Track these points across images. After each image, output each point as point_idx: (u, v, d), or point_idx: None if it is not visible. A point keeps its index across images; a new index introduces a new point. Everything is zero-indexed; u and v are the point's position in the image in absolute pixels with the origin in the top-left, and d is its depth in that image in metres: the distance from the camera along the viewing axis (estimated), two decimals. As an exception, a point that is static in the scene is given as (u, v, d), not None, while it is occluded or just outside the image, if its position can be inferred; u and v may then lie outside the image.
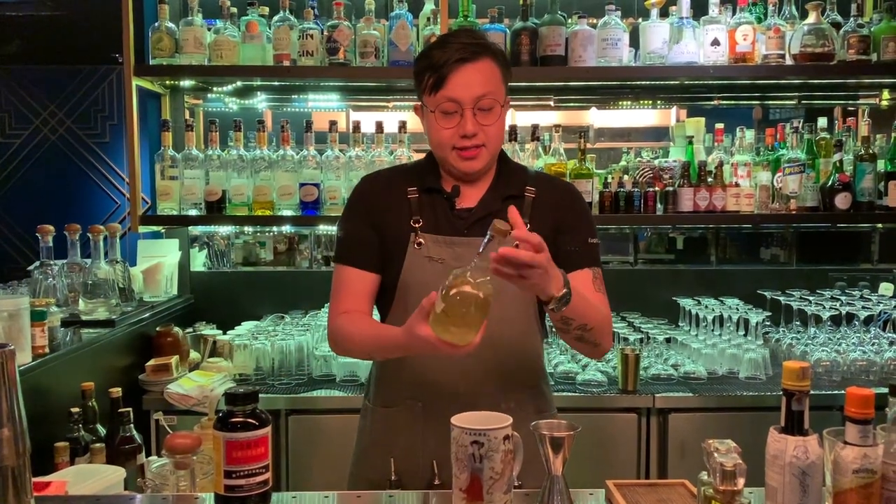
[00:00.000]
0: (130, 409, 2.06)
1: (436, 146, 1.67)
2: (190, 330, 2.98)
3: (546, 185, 1.74)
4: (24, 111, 3.32)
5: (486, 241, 1.28)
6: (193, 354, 2.88)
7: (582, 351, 1.69)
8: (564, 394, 2.60)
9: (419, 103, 1.69)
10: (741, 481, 0.98)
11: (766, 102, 3.51)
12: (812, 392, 2.64)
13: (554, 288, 1.39)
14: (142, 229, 2.94)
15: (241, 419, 1.08)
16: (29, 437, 1.10)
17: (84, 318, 2.55)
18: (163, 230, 3.20)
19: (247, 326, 3.04)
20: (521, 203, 1.67)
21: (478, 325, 1.29)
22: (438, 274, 1.55)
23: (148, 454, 2.09)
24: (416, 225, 1.66)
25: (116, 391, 2.09)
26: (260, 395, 2.64)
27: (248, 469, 1.07)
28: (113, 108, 3.44)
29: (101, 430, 2.10)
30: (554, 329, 1.61)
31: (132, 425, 2.04)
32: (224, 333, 2.94)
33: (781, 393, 0.98)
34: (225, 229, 3.36)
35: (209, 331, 2.96)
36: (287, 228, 3.41)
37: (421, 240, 1.65)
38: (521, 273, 1.31)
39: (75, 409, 2.04)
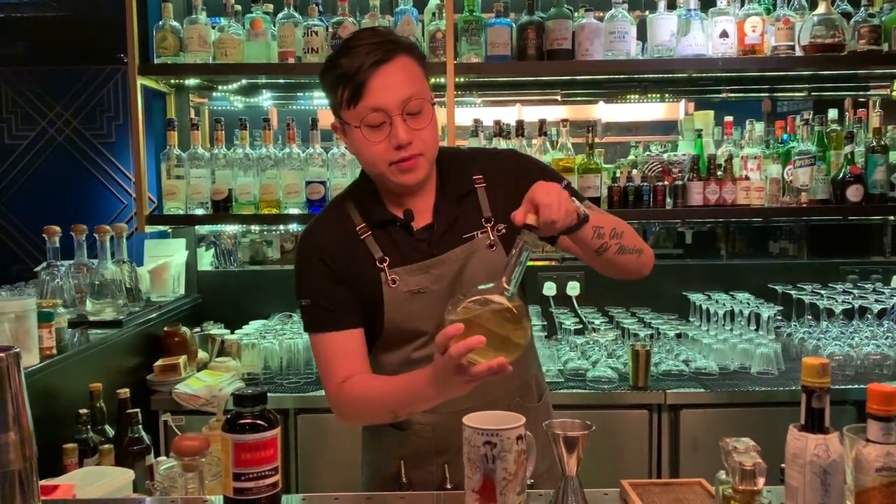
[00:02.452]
0: (139, 409, 2.04)
1: (369, 164, 1.50)
2: (198, 329, 2.97)
3: (489, 165, 1.61)
4: (31, 112, 3.31)
5: (517, 251, 1.25)
6: (201, 354, 2.87)
7: (629, 269, 1.55)
8: (575, 391, 2.57)
9: (336, 121, 1.51)
10: (761, 481, 0.96)
11: (776, 95, 3.47)
12: (827, 387, 2.59)
13: (572, 204, 1.32)
14: (148, 229, 2.94)
15: (249, 420, 1.06)
16: (35, 441, 1.09)
17: (91, 318, 2.54)
18: (169, 230, 3.18)
19: (255, 325, 3.03)
20: (476, 197, 1.57)
21: (516, 337, 1.22)
22: (424, 304, 1.50)
23: (157, 455, 2.08)
24: (383, 264, 1.52)
25: (124, 392, 2.07)
26: (268, 395, 2.62)
27: (257, 471, 1.06)
28: (119, 109, 3.43)
29: (110, 431, 2.09)
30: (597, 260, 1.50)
31: (140, 426, 2.03)
32: (232, 333, 2.93)
33: (801, 390, 0.96)
34: (231, 228, 3.35)
35: (217, 330, 2.94)
36: (294, 227, 3.39)
37: (393, 276, 1.51)
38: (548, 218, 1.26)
39: (83, 411, 2.03)
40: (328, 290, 1.52)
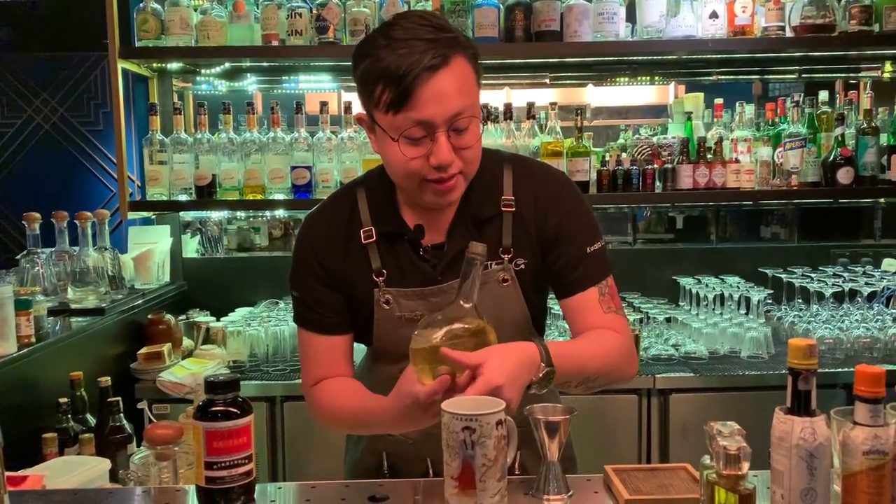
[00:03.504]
0: (119, 398, 2.02)
1: (399, 178, 1.33)
2: (183, 317, 2.93)
3: (527, 186, 1.41)
4: (17, 100, 3.26)
5: (469, 272, 1.19)
6: (187, 342, 2.84)
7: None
8: (563, 376, 2.55)
9: (363, 114, 1.33)
10: (745, 465, 0.93)
11: (766, 77, 3.44)
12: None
13: (528, 377, 1.19)
14: (131, 215, 2.89)
15: (221, 408, 1.03)
16: (11, 430, 1.05)
17: (73, 306, 2.51)
18: (153, 216, 3.14)
19: (241, 313, 2.99)
20: (499, 223, 1.39)
21: None
22: None
23: (139, 444, 2.05)
24: (379, 279, 1.38)
25: (105, 380, 2.04)
26: (255, 383, 2.59)
27: (229, 460, 1.03)
28: (106, 96, 3.38)
29: (92, 421, 2.07)
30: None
31: (122, 415, 2.00)
32: (217, 320, 2.89)
33: (787, 372, 0.93)
34: (217, 214, 3.31)
35: (202, 318, 2.91)
36: (280, 213, 3.35)
37: (388, 296, 1.37)
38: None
39: (63, 400, 2.00)
40: (317, 291, 1.41)
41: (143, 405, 1.80)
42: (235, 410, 1.04)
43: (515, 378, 1.15)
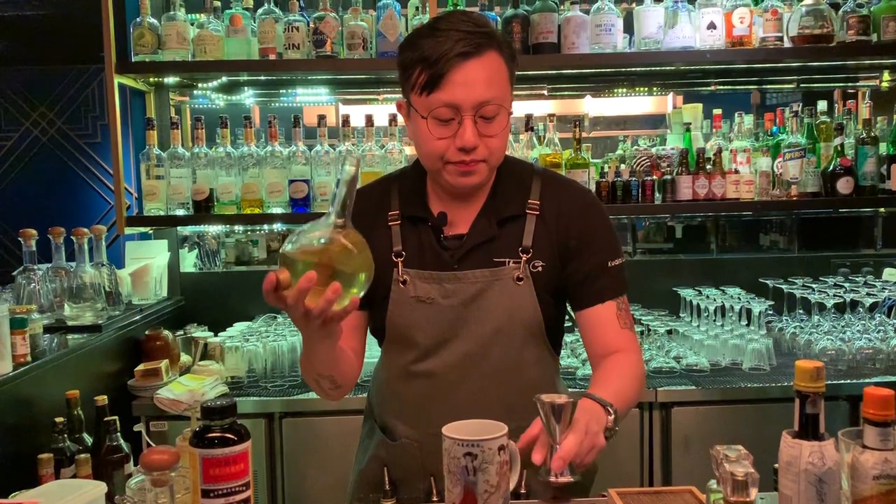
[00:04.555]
0: (116, 417, 1.99)
1: (425, 157, 1.43)
2: (181, 332, 2.91)
3: (553, 195, 1.47)
4: (15, 113, 3.25)
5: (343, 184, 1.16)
6: (184, 358, 2.82)
7: None
8: (564, 390, 2.53)
9: (403, 100, 1.44)
10: (754, 491, 0.92)
11: (765, 87, 3.44)
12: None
13: (604, 422, 1.25)
14: (128, 230, 2.87)
15: (218, 434, 1.01)
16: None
17: (70, 323, 2.49)
18: (151, 231, 3.13)
19: (239, 328, 2.97)
20: (521, 223, 1.45)
21: (358, 269, 1.15)
22: (429, 315, 1.43)
23: (136, 463, 2.02)
24: (399, 259, 1.45)
25: (102, 399, 2.01)
26: (253, 399, 2.56)
27: (226, 487, 1.01)
28: (104, 109, 3.36)
29: (89, 440, 2.04)
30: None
31: (119, 434, 1.97)
32: (215, 335, 2.87)
33: (794, 395, 0.92)
34: (214, 228, 3.29)
35: (200, 333, 2.89)
36: (279, 226, 3.34)
37: (405, 276, 1.44)
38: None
39: (59, 419, 1.97)
40: None
41: (139, 427, 1.78)
42: (232, 437, 1.02)
43: (595, 419, 1.23)
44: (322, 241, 1.13)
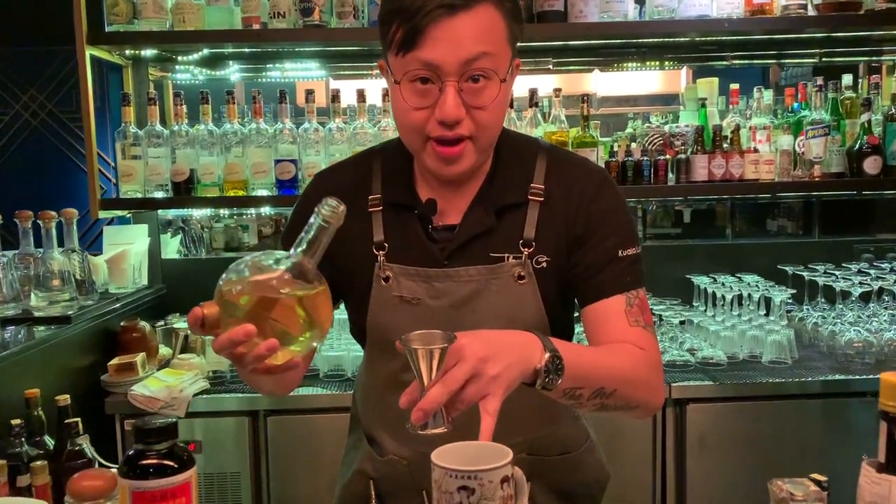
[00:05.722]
0: (79, 419, 1.81)
1: (403, 132, 1.19)
2: (161, 323, 2.73)
3: (561, 176, 1.25)
4: (4, 95, 3.09)
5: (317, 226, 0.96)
6: (164, 350, 2.64)
7: (620, 416, 1.23)
8: (571, 385, 2.35)
9: (382, 61, 1.20)
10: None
11: (784, 60, 3.22)
12: (844, 377, 2.37)
13: (532, 360, 1.00)
14: (103, 214, 2.68)
15: (154, 461, 0.83)
16: None
17: (37, 314, 2.30)
18: (129, 215, 2.94)
19: (223, 317, 2.79)
20: (523, 213, 1.23)
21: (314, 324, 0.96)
22: (415, 317, 1.20)
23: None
24: (380, 252, 1.24)
25: (64, 398, 1.83)
26: (238, 395, 2.37)
27: (165, 528, 0.82)
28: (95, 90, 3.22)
29: (51, 443, 1.86)
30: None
31: (83, 436, 1.79)
32: (198, 326, 2.69)
33: (879, 416, 0.73)
34: (198, 212, 3.10)
35: (181, 324, 2.70)
36: (267, 210, 3.15)
37: (388, 272, 1.23)
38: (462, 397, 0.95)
39: (16, 421, 1.79)
40: None
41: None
42: (171, 464, 0.83)
43: (499, 351, 0.97)
44: (272, 288, 0.93)
